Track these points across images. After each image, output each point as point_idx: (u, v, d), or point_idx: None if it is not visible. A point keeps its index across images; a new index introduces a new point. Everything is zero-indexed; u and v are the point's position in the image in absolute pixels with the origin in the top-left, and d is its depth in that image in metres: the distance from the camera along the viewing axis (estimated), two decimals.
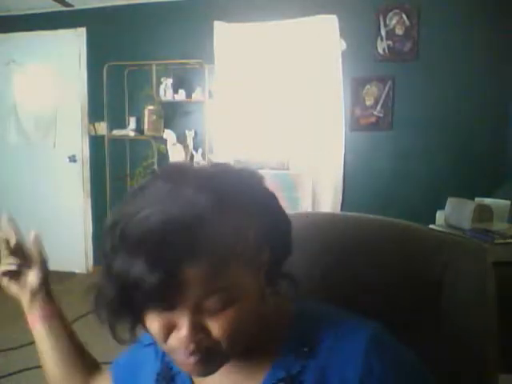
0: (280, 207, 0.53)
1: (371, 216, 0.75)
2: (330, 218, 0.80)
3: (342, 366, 0.49)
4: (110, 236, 0.45)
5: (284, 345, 0.54)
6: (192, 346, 0.45)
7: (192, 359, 0.46)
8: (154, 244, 0.41)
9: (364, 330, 0.50)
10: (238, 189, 0.47)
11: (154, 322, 0.46)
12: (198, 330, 0.45)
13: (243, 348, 0.51)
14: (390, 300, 0.66)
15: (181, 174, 0.47)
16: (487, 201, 2.09)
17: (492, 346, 0.65)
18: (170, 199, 0.43)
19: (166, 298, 0.43)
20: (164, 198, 0.44)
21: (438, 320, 0.65)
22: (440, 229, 1.93)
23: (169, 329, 0.46)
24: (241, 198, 0.47)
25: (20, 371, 2.19)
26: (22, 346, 2.44)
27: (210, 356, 0.47)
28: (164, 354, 0.60)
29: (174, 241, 0.41)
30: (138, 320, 0.48)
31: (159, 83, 3.36)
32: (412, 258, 0.67)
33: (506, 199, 2.08)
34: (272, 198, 0.53)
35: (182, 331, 0.45)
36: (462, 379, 0.64)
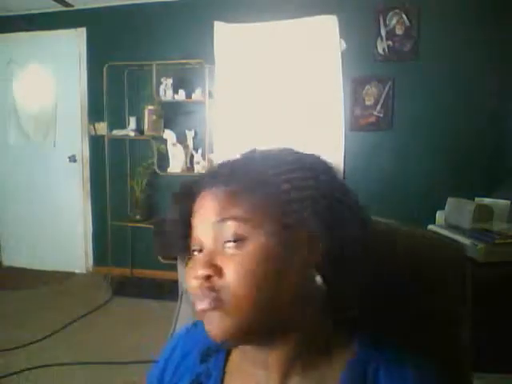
0: (354, 209, 0.51)
1: None
2: None
3: None
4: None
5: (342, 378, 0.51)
6: (202, 282, 0.47)
7: (204, 303, 0.47)
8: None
9: None
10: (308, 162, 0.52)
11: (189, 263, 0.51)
12: (211, 265, 0.47)
13: (263, 334, 0.49)
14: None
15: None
16: (487, 201, 2.09)
17: (466, 339, 0.66)
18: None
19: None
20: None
21: (416, 315, 0.66)
22: (440, 229, 1.93)
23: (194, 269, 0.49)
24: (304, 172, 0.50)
25: (20, 371, 2.19)
26: (22, 346, 2.45)
27: (217, 305, 0.46)
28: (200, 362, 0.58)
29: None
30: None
31: (159, 83, 3.36)
32: (391, 256, 0.68)
33: (506, 199, 2.08)
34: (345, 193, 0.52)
35: (198, 265, 0.48)
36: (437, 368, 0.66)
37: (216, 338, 0.48)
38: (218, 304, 0.46)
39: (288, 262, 0.48)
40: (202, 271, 0.47)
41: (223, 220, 0.47)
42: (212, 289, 0.46)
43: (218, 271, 0.46)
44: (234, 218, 0.47)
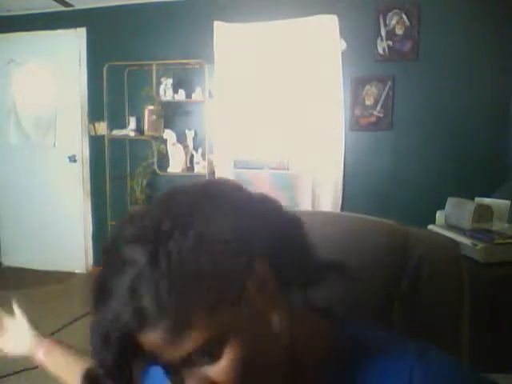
0: (275, 209, 0.46)
1: (341, 213, 0.76)
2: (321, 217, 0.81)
3: None
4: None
5: None
6: None
7: None
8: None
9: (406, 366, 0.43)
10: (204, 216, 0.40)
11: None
12: None
13: None
14: (368, 293, 0.66)
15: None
16: (487, 201, 2.09)
17: (465, 336, 0.67)
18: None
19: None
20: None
21: (414, 311, 0.66)
22: (440, 229, 1.93)
23: None
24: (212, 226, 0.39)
25: (20, 371, 2.19)
26: None
27: None
28: None
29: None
30: None
31: (159, 83, 3.36)
32: (388, 252, 0.67)
33: (506, 199, 2.07)
34: (262, 201, 0.45)
35: None
36: None
37: None
38: None
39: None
40: None
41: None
42: None
43: None
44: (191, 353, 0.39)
